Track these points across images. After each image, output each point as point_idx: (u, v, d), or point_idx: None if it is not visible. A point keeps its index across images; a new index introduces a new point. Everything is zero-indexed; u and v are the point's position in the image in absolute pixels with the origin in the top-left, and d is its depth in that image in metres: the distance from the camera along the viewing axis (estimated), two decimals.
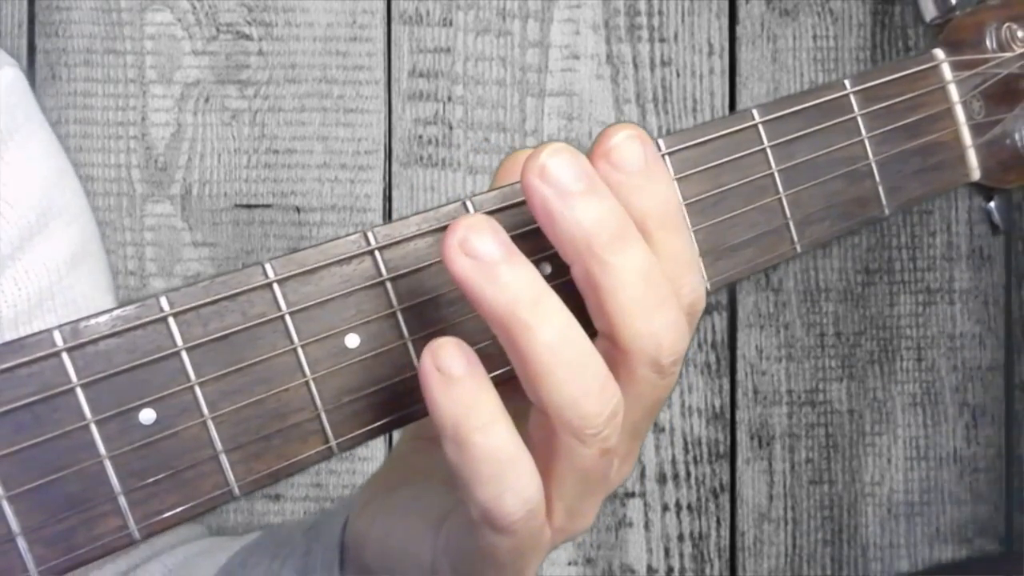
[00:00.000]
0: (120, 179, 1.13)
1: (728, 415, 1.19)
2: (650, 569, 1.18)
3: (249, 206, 1.14)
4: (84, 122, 1.13)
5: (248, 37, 1.14)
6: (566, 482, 0.48)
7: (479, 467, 0.45)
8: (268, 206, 1.14)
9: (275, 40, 1.14)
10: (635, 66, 1.17)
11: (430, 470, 0.56)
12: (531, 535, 0.48)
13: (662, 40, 1.17)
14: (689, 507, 1.19)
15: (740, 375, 1.19)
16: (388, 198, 1.15)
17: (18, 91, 0.79)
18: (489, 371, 0.46)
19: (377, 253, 0.48)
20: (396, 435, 1.13)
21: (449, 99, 1.15)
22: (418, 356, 0.49)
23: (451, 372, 0.45)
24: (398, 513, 0.55)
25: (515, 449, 0.46)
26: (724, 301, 1.19)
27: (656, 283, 0.47)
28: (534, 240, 0.49)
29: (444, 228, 0.50)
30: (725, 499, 1.19)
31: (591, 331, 0.48)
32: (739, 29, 1.19)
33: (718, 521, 1.19)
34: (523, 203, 0.49)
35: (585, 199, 0.46)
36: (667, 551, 1.19)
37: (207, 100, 1.13)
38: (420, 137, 1.15)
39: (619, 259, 0.46)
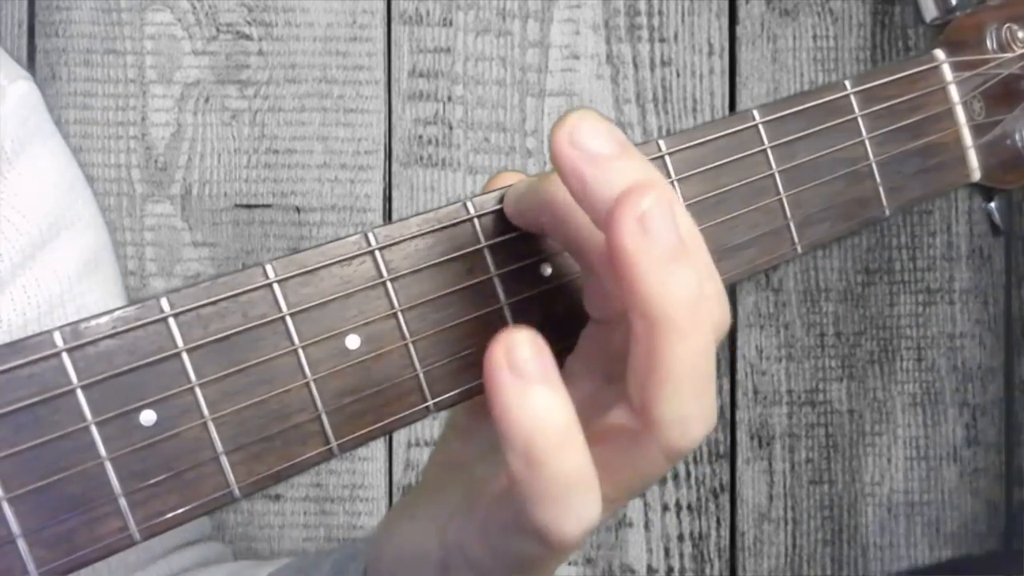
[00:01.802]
0: (120, 179, 1.13)
1: (728, 415, 1.19)
2: (650, 569, 1.18)
3: (249, 206, 1.14)
4: (84, 122, 1.12)
5: (248, 37, 1.14)
6: (624, 483, 0.46)
7: (547, 488, 0.41)
8: (268, 206, 1.14)
9: (275, 40, 1.14)
10: (635, 66, 1.17)
11: (445, 482, 0.55)
12: (574, 546, 0.45)
13: (662, 40, 1.17)
14: (689, 507, 1.19)
15: (740, 375, 1.19)
16: (388, 198, 1.15)
17: (31, 104, 0.79)
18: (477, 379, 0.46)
19: (378, 254, 0.48)
20: (397, 436, 1.14)
21: (449, 99, 1.15)
22: (419, 357, 0.49)
23: (528, 374, 0.41)
24: (410, 526, 0.55)
25: (588, 471, 0.42)
26: None
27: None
28: (534, 242, 0.49)
29: (444, 228, 0.50)
30: (725, 499, 1.19)
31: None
32: (739, 29, 1.19)
33: (718, 521, 1.19)
34: None
35: (618, 162, 0.43)
36: (667, 551, 1.19)
37: (207, 100, 1.13)
38: (420, 137, 1.15)
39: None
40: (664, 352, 0.42)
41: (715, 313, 0.45)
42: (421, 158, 1.15)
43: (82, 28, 1.12)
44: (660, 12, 1.17)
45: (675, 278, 0.41)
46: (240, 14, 1.13)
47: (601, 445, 0.45)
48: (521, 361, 0.40)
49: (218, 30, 1.13)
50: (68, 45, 1.12)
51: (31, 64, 1.12)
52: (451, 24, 1.15)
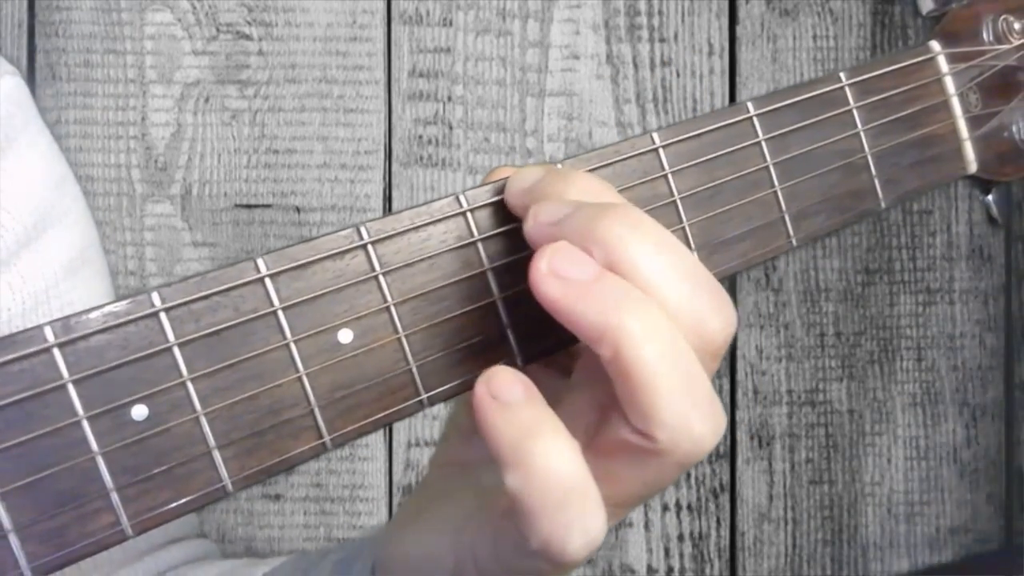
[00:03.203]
0: (120, 179, 1.13)
1: (728, 415, 1.19)
2: (650, 569, 1.18)
3: (249, 206, 1.14)
4: (84, 122, 1.13)
5: (248, 37, 1.14)
6: (635, 492, 0.47)
7: (543, 495, 0.43)
8: (268, 206, 1.14)
9: (275, 40, 1.14)
10: (635, 66, 1.17)
11: (456, 491, 0.55)
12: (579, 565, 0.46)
13: (662, 40, 1.17)
14: (689, 507, 1.19)
15: (740, 375, 1.19)
16: (388, 198, 1.15)
17: (17, 99, 0.79)
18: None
19: (370, 248, 0.48)
20: (397, 436, 1.13)
21: (449, 99, 1.15)
22: (412, 351, 0.49)
23: (507, 398, 0.44)
24: (422, 529, 0.55)
25: (583, 477, 0.43)
26: None
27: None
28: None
29: (437, 222, 0.50)
30: (725, 499, 1.19)
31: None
32: (739, 29, 1.18)
33: (718, 521, 1.19)
34: None
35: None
36: (667, 551, 1.18)
37: (207, 100, 1.13)
38: (420, 137, 1.15)
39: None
40: (632, 362, 0.43)
41: (676, 308, 0.46)
42: (421, 158, 1.15)
43: (82, 28, 1.12)
44: (660, 12, 1.17)
45: (602, 297, 0.44)
46: (240, 14, 1.13)
47: (610, 458, 0.46)
48: (501, 389, 0.44)
49: (218, 30, 1.13)
50: (68, 45, 1.12)
51: (31, 64, 1.12)
52: (451, 24, 1.15)
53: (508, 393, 0.44)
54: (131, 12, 1.12)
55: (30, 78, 1.11)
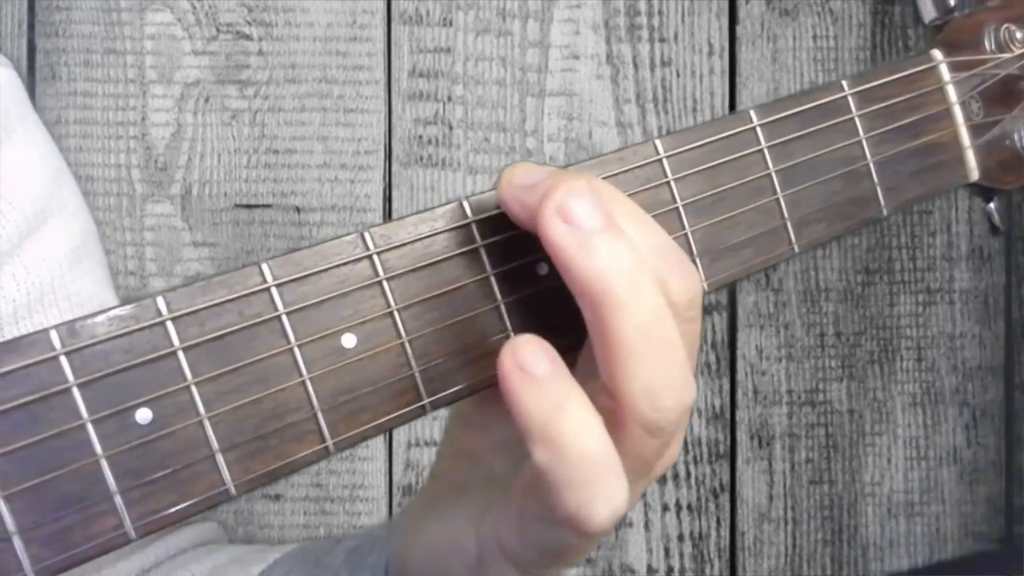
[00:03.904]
0: (120, 179, 1.13)
1: (728, 415, 1.19)
2: (650, 569, 1.18)
3: (249, 206, 1.14)
4: (84, 122, 1.13)
5: (248, 37, 1.14)
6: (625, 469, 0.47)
7: (572, 470, 0.44)
8: (268, 206, 1.14)
9: (275, 40, 1.14)
10: (635, 66, 1.17)
11: (469, 481, 0.56)
12: (604, 532, 0.47)
13: (662, 40, 1.17)
14: (689, 507, 1.19)
15: (740, 375, 1.19)
16: (388, 198, 1.15)
17: (12, 91, 0.79)
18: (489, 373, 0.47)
19: (375, 253, 0.48)
20: (397, 436, 1.14)
21: (449, 99, 1.15)
22: (415, 356, 0.49)
23: (535, 371, 0.44)
24: (440, 519, 0.55)
25: (610, 452, 0.44)
26: (724, 301, 1.19)
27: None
28: (530, 241, 0.49)
29: (441, 228, 0.50)
30: (725, 499, 1.19)
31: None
32: (739, 29, 1.19)
33: (718, 521, 1.19)
34: None
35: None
36: (667, 551, 1.19)
37: (207, 100, 1.13)
38: (420, 137, 1.15)
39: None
40: (611, 326, 0.44)
41: (665, 278, 0.47)
42: (421, 158, 1.15)
43: (82, 28, 1.12)
44: (660, 12, 1.17)
45: (603, 254, 0.44)
46: (240, 14, 1.13)
47: None
48: (528, 361, 0.44)
49: (218, 30, 1.13)
50: (68, 45, 1.12)
51: (31, 64, 1.12)
52: (451, 24, 1.15)
53: (536, 366, 0.44)
54: (131, 12, 1.12)
55: (30, 78, 1.11)
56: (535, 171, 0.48)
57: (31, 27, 1.12)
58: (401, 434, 1.15)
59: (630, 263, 0.45)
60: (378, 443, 1.15)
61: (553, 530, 0.47)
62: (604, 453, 0.44)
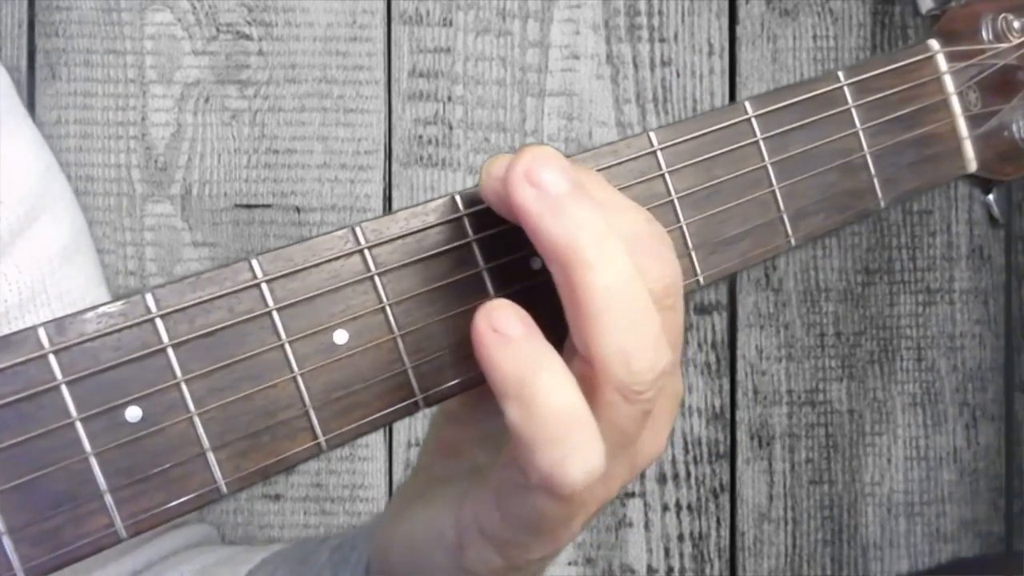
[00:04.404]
0: (120, 179, 1.13)
1: (728, 415, 1.19)
2: (650, 569, 1.18)
3: (249, 206, 1.14)
4: (84, 122, 1.13)
5: (248, 37, 1.14)
6: (608, 440, 0.47)
7: (545, 427, 0.44)
8: (268, 206, 1.14)
9: (275, 40, 1.14)
10: (635, 66, 1.17)
11: (452, 473, 0.55)
12: (583, 503, 0.48)
13: (662, 40, 1.17)
14: (689, 507, 1.19)
15: (740, 375, 1.19)
16: (388, 198, 1.15)
17: (0, 88, 0.79)
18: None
19: (366, 248, 0.48)
20: (396, 436, 1.13)
21: (449, 99, 1.15)
22: (407, 352, 0.49)
23: (508, 333, 0.45)
24: (421, 510, 0.55)
25: (583, 410, 0.45)
26: (724, 301, 1.19)
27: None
28: (523, 235, 0.49)
29: (433, 222, 0.50)
30: (725, 499, 1.19)
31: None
32: (739, 29, 1.18)
33: (718, 521, 1.19)
34: None
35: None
36: (667, 551, 1.18)
37: (207, 100, 1.13)
38: (420, 137, 1.15)
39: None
40: (580, 286, 0.45)
41: (642, 264, 0.47)
42: (421, 158, 1.15)
43: (82, 28, 1.12)
44: (660, 12, 1.17)
45: (571, 217, 0.45)
46: (240, 14, 1.13)
47: None
48: (502, 323, 0.45)
49: (218, 30, 1.13)
50: (68, 45, 1.12)
51: (31, 64, 1.12)
52: (451, 24, 1.15)
53: (509, 327, 0.45)
54: (131, 12, 1.12)
55: (30, 78, 1.11)
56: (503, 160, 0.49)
57: (31, 27, 1.12)
58: (401, 434, 1.15)
59: (598, 224, 0.45)
60: (378, 443, 1.15)
61: (530, 496, 0.47)
62: (577, 411, 0.45)
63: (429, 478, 0.57)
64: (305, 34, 1.14)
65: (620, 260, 0.45)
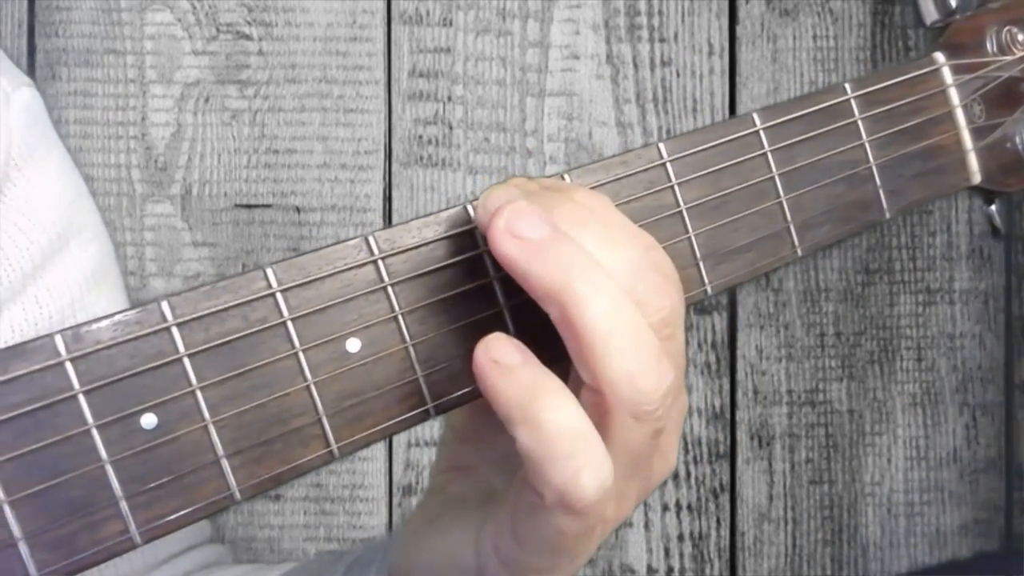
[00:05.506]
0: (120, 179, 1.13)
1: (728, 415, 1.19)
2: (650, 569, 1.18)
3: (249, 206, 1.14)
4: (84, 122, 1.13)
5: (248, 37, 1.14)
6: (616, 463, 0.48)
7: (555, 444, 0.46)
8: (268, 206, 1.14)
9: (275, 40, 1.14)
10: (635, 66, 1.17)
11: (468, 496, 0.56)
12: (598, 519, 0.48)
13: (662, 40, 1.17)
14: (689, 507, 1.19)
15: (740, 375, 1.19)
16: (388, 198, 1.15)
17: (35, 111, 0.79)
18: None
19: (379, 259, 0.48)
20: (397, 437, 1.13)
21: (449, 99, 1.15)
22: (419, 361, 0.49)
23: (507, 362, 0.46)
24: (440, 534, 0.56)
25: (587, 426, 0.46)
26: (724, 301, 1.19)
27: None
28: None
29: (445, 232, 0.50)
30: (725, 499, 1.19)
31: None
32: (739, 29, 1.19)
33: (718, 521, 1.19)
34: None
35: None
36: (667, 551, 1.19)
37: (207, 100, 1.13)
38: (420, 137, 1.15)
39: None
40: (577, 321, 0.46)
41: (639, 298, 0.48)
42: (421, 158, 1.15)
43: (82, 28, 1.12)
44: (660, 12, 1.17)
45: (554, 257, 0.47)
46: (240, 14, 1.13)
47: None
48: (500, 354, 0.47)
49: (218, 30, 1.13)
50: (68, 45, 1.12)
51: (31, 64, 1.12)
52: (451, 24, 1.15)
53: (507, 356, 0.47)
54: (131, 12, 1.12)
55: (30, 78, 1.11)
56: (499, 194, 0.50)
57: (31, 27, 1.12)
58: (401, 435, 1.15)
59: (581, 258, 0.47)
60: (378, 444, 1.15)
61: (546, 516, 0.48)
62: (582, 427, 0.46)
63: (445, 499, 0.57)
64: (305, 34, 1.14)
65: (609, 286, 0.47)
